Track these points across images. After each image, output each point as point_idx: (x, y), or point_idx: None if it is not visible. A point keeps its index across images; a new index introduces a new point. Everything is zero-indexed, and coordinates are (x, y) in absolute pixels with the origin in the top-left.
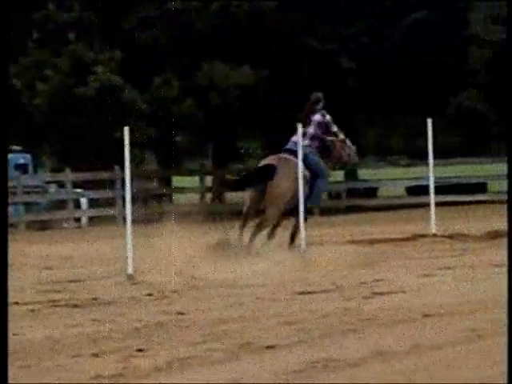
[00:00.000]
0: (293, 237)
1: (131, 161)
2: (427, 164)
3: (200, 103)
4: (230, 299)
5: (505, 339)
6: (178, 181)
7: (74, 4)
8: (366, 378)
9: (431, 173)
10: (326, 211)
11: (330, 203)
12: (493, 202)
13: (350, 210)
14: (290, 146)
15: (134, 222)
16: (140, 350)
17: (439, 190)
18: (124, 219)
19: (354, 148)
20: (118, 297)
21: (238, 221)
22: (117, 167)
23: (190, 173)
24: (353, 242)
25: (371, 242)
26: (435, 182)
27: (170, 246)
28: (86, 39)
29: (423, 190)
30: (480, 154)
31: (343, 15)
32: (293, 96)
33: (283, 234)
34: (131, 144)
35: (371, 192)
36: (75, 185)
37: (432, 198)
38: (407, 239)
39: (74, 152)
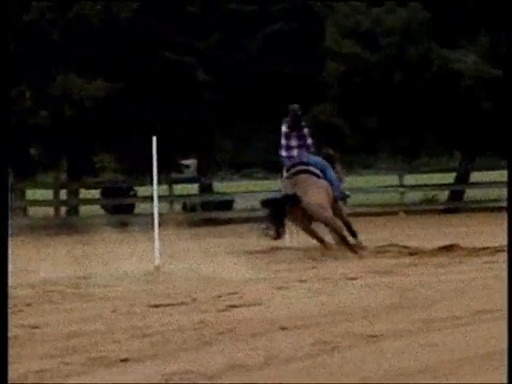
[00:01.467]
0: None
1: None
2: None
3: (54, 115)
4: (85, 312)
5: (360, 350)
6: (32, 194)
7: None
8: None
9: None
10: (181, 224)
11: (184, 216)
12: (354, 214)
13: (204, 222)
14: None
15: None
16: None
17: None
18: None
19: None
20: None
21: (100, 232)
22: None
23: (45, 186)
24: (207, 254)
25: (226, 253)
26: None
27: (25, 258)
28: None
29: None
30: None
31: (199, 27)
32: (148, 108)
33: (146, 245)
34: None
35: (227, 205)
36: None
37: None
38: (263, 251)
39: None
